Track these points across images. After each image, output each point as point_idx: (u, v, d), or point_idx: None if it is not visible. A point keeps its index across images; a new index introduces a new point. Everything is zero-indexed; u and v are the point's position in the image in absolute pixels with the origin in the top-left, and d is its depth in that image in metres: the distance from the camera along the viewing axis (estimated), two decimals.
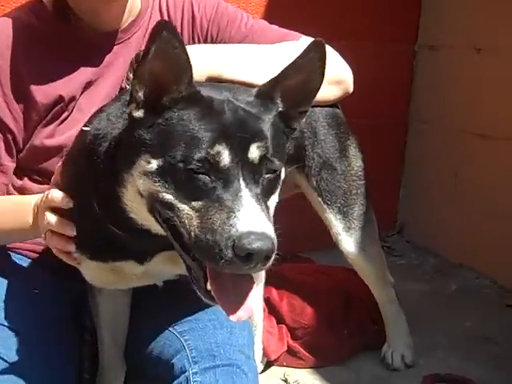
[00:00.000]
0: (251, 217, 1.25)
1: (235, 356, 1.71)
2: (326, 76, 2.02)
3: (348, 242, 2.18)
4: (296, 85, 1.44)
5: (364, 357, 2.45)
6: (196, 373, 1.66)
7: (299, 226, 2.70)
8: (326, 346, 2.42)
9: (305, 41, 2.09)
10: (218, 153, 1.30)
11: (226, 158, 1.30)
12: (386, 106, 3.49)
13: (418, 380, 2.29)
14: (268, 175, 1.35)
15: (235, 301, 1.34)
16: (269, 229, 1.25)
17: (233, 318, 1.33)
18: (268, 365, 2.36)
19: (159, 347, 1.81)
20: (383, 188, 3.28)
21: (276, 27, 2.13)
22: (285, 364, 2.38)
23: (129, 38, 2.02)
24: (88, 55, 1.94)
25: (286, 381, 2.29)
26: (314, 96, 1.50)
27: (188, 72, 1.34)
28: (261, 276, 1.93)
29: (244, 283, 1.36)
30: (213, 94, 1.42)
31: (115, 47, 1.99)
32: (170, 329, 1.81)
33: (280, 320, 2.46)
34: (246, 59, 1.90)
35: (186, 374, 1.67)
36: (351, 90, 2.11)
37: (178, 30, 2.03)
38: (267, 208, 1.34)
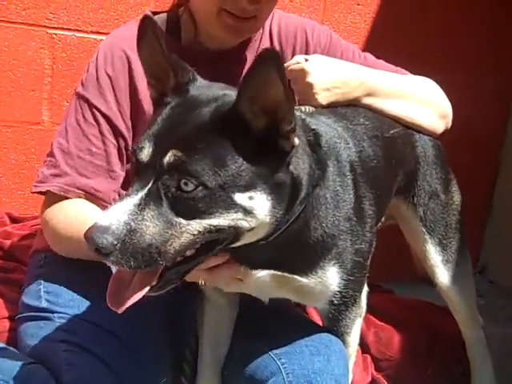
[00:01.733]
0: (111, 211, 1.28)
1: None
2: (437, 110, 2.12)
3: (445, 275, 2.17)
4: (261, 99, 1.31)
5: None
6: None
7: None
8: (409, 380, 2.38)
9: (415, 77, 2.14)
10: (141, 148, 1.35)
11: (144, 153, 1.34)
12: (479, 143, 3.43)
13: None
14: (190, 189, 1.29)
15: (114, 292, 1.40)
16: (116, 225, 1.25)
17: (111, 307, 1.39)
18: None
19: (254, 367, 1.80)
20: (467, 225, 3.22)
21: (383, 62, 2.19)
22: None
23: (236, 59, 2.08)
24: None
25: None
26: (282, 110, 1.32)
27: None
28: (362, 307, 1.92)
29: (119, 277, 1.40)
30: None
31: (222, 66, 2.03)
32: (266, 349, 1.80)
33: (365, 350, 2.44)
34: (386, 90, 1.98)
35: None
36: (450, 125, 2.19)
37: (290, 57, 2.09)
38: (157, 215, 1.29)
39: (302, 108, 1.83)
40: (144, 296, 1.40)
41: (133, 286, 1.39)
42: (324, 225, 1.60)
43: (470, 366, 2.39)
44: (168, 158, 1.30)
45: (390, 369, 2.42)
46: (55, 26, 2.73)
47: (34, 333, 1.84)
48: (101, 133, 1.91)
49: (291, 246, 1.58)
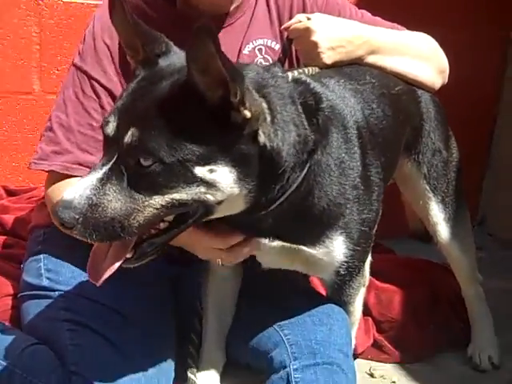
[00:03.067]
0: (76, 186, 1.33)
1: (335, 355, 1.73)
2: (435, 65, 2.12)
3: (447, 232, 2.18)
4: (207, 70, 1.29)
5: (450, 355, 2.41)
6: (297, 369, 1.70)
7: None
8: (412, 341, 2.39)
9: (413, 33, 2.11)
10: (107, 122, 1.38)
11: (110, 127, 1.37)
12: (475, 97, 3.37)
13: (505, 382, 2.26)
14: (147, 165, 1.31)
15: (92, 265, 1.46)
16: (78, 200, 1.30)
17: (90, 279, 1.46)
18: (353, 357, 2.36)
19: (257, 338, 1.83)
20: (466, 178, 3.22)
21: (380, 19, 2.16)
22: (370, 357, 2.37)
23: (233, 23, 2.03)
24: None
25: (372, 375, 2.28)
26: (226, 82, 1.29)
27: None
28: (366, 276, 1.93)
29: (97, 250, 1.46)
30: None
31: (219, 32, 1.99)
32: (270, 321, 1.83)
33: (366, 312, 2.44)
34: (388, 48, 1.98)
35: (287, 369, 1.71)
36: (447, 80, 2.18)
37: (287, 19, 2.05)
38: (119, 190, 1.33)
39: (306, 70, 1.79)
40: (121, 267, 1.45)
41: (108, 259, 1.44)
42: (329, 193, 1.59)
43: (470, 322, 2.42)
44: (127, 136, 1.33)
45: (392, 330, 2.43)
46: None
47: (36, 311, 1.85)
48: (101, 106, 1.88)
49: (297, 216, 1.58)
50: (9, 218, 2.44)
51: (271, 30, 2.08)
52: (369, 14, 2.16)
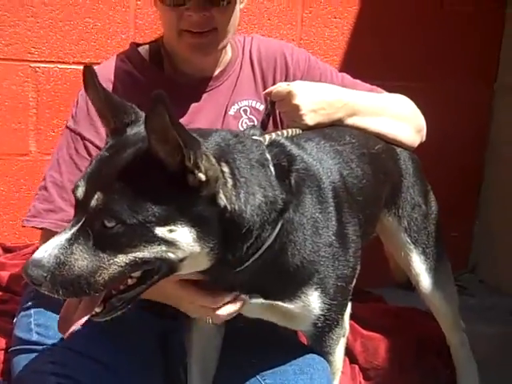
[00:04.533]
0: (46, 245, 1.40)
1: None
2: (414, 125, 2.19)
3: (428, 282, 2.23)
4: (165, 139, 1.36)
5: None
6: None
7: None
8: None
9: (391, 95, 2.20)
10: (77, 187, 1.46)
11: (79, 192, 1.45)
12: (462, 147, 3.45)
13: None
14: (111, 226, 1.38)
15: (62, 317, 1.52)
16: (47, 259, 1.37)
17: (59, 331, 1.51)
18: None
19: None
20: (457, 227, 3.27)
21: (360, 81, 2.26)
22: None
23: (218, 86, 2.13)
24: (180, 102, 2.02)
25: None
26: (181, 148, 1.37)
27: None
28: (345, 327, 1.98)
29: (67, 306, 1.52)
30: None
31: (205, 94, 2.11)
32: (252, 371, 1.86)
33: (353, 360, 2.49)
34: (367, 109, 2.05)
35: None
36: (424, 138, 2.27)
37: (271, 81, 2.16)
38: (85, 249, 1.39)
39: (288, 131, 1.86)
40: (90, 321, 1.51)
41: (77, 312, 1.50)
42: (302, 251, 1.64)
43: (456, 369, 2.45)
44: (94, 200, 1.40)
45: (378, 377, 2.47)
46: (38, 59, 2.78)
47: (25, 365, 1.89)
48: None
49: (273, 272, 1.63)
50: (5, 275, 2.50)
51: (256, 91, 2.18)
52: (349, 77, 2.26)
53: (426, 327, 2.58)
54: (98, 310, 1.50)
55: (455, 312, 2.37)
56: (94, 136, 1.98)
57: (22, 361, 1.93)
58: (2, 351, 2.14)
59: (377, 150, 2.08)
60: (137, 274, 1.49)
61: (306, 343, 1.98)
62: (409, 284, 2.55)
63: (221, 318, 1.70)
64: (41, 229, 1.98)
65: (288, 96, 1.96)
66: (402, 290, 2.75)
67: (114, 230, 1.39)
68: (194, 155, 1.38)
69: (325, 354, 1.90)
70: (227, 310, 1.67)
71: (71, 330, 1.50)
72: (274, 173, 1.59)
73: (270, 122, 2.17)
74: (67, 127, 2.03)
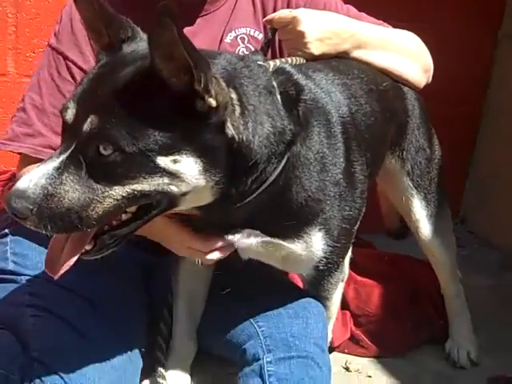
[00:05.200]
0: (30, 174, 1.26)
1: (310, 348, 1.69)
2: (421, 64, 2.08)
3: (428, 229, 2.16)
4: (171, 56, 1.23)
5: (427, 351, 2.39)
6: (270, 362, 1.65)
7: None
8: (389, 336, 2.37)
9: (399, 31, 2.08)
10: (66, 108, 1.31)
11: (69, 114, 1.30)
12: (462, 95, 3.33)
13: (481, 381, 2.23)
14: (107, 154, 1.25)
15: (49, 258, 1.40)
16: (32, 190, 1.24)
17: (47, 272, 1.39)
18: (329, 351, 2.32)
19: (231, 330, 1.78)
20: (448, 176, 3.19)
21: (365, 15, 2.13)
22: (346, 351, 2.34)
23: (214, 11, 1.98)
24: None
25: (347, 369, 2.25)
26: (191, 68, 1.23)
27: None
28: (344, 272, 1.90)
29: (54, 243, 1.39)
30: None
31: (199, 19, 1.96)
32: (243, 312, 1.78)
33: (344, 306, 2.41)
34: (374, 43, 1.94)
35: (260, 361, 1.66)
36: (430, 79, 2.16)
37: (272, 9, 2.01)
38: (77, 180, 1.26)
39: (289, 59, 1.73)
40: (80, 259, 1.39)
41: (66, 252, 1.38)
42: (307, 188, 1.54)
43: (448, 319, 2.40)
44: (87, 124, 1.26)
45: (370, 324, 2.40)
46: None
47: (1, 296, 1.78)
48: None
49: (275, 210, 1.53)
50: None
51: (254, 19, 2.03)
52: (354, 10, 2.12)
53: (420, 275, 2.52)
54: (87, 247, 1.38)
55: (453, 262, 2.32)
56: (78, 56, 1.84)
57: None
58: None
59: (385, 86, 1.96)
60: (132, 208, 1.35)
61: (300, 286, 1.91)
62: (399, 232, 2.55)
63: (210, 261, 1.62)
64: (19, 154, 1.85)
65: (292, 22, 1.82)
66: (391, 237, 2.66)
67: (110, 159, 1.25)
68: (205, 77, 1.24)
69: (322, 298, 1.83)
70: (217, 255, 1.59)
71: (61, 271, 1.37)
72: (280, 102, 1.47)
73: (269, 52, 2.01)
74: (49, 45, 1.89)
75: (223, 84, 1.31)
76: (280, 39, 1.96)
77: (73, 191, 1.26)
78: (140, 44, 1.39)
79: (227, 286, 1.87)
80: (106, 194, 1.27)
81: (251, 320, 1.76)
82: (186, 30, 1.91)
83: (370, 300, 2.43)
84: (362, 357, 2.34)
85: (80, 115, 1.28)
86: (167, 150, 1.26)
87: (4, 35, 2.63)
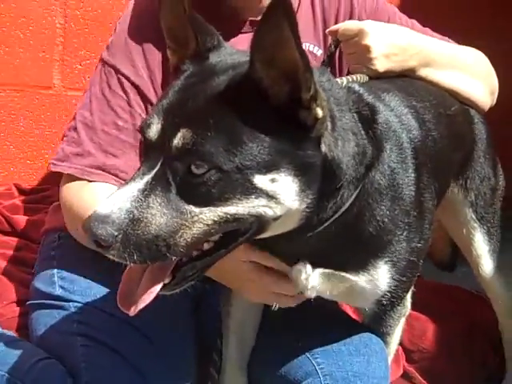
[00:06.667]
0: (112, 198, 1.14)
1: None
2: (489, 85, 1.97)
3: (490, 265, 2.08)
4: (276, 61, 1.14)
5: None
6: None
7: None
8: (444, 374, 2.24)
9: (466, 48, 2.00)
10: (149, 124, 1.20)
11: (152, 131, 1.19)
12: None
13: None
14: (201, 173, 1.14)
15: (124, 292, 1.27)
16: (117, 214, 1.12)
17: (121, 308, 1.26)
18: None
19: (287, 365, 1.67)
20: None
21: (430, 30, 2.05)
22: None
23: None
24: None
25: None
26: (299, 74, 1.14)
27: None
28: (407, 306, 1.81)
29: (129, 276, 1.26)
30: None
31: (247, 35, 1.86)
32: (301, 347, 1.67)
33: None
34: (442, 60, 1.85)
35: None
36: (495, 102, 2.07)
37: (333, 23, 1.92)
38: (164, 202, 1.15)
39: (354, 77, 1.64)
40: (158, 295, 1.26)
41: (143, 285, 1.25)
42: (379, 218, 1.43)
43: (505, 357, 2.29)
44: (177, 139, 1.15)
45: (423, 361, 2.28)
46: None
47: (48, 323, 1.71)
48: (129, 104, 1.74)
49: (344, 240, 1.42)
50: (21, 219, 2.31)
51: (314, 33, 1.95)
52: (419, 24, 2.04)
53: (478, 310, 2.41)
54: (166, 280, 1.25)
55: None
56: (130, 70, 1.77)
57: (42, 317, 1.75)
58: (14, 303, 1.95)
59: (453, 111, 1.87)
60: (215, 236, 1.24)
61: (358, 320, 1.82)
62: (449, 264, 2.45)
63: (293, 304, 1.54)
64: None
65: (358, 34, 1.73)
66: (439, 268, 2.54)
67: (203, 178, 1.14)
68: (315, 85, 1.13)
69: (382, 334, 1.72)
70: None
71: (138, 307, 1.25)
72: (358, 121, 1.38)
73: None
74: (101, 59, 1.84)
75: (323, 94, 1.21)
76: (343, 52, 1.87)
77: (160, 215, 1.15)
78: (226, 54, 1.31)
79: (280, 319, 1.74)
80: (196, 218, 1.16)
81: (308, 355, 1.65)
82: (243, 46, 1.88)
83: (425, 335, 2.31)
84: None
85: (167, 130, 1.18)
86: (266, 168, 1.16)
87: (51, 46, 2.62)
